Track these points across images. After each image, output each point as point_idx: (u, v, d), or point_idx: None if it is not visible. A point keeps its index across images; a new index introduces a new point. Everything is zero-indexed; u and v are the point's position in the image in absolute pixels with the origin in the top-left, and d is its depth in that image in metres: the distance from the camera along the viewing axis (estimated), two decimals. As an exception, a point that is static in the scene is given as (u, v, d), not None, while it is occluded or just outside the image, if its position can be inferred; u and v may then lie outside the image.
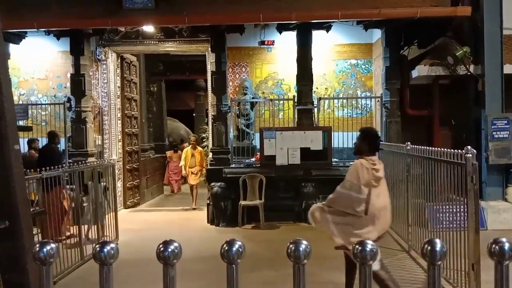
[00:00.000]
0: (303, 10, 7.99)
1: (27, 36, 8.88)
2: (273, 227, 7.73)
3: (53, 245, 0.80)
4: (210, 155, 8.88)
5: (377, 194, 3.76)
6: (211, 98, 9.11)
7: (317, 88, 9.25)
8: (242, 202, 7.80)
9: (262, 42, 9.41)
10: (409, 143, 6.02)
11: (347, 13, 7.88)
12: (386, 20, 8.04)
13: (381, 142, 7.70)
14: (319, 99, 8.67)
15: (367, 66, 9.66)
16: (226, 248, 1.03)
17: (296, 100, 8.55)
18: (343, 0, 7.99)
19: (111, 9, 7.89)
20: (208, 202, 8.18)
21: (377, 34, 9.06)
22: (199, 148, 10.33)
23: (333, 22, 8.40)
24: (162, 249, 0.86)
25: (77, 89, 8.66)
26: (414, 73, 8.25)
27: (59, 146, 7.73)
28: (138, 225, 8.02)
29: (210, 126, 9.37)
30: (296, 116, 8.56)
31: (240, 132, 9.18)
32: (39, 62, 9.49)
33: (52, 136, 7.40)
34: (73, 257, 5.60)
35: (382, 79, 8.50)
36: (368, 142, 3.93)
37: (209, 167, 8.65)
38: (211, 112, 9.29)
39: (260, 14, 7.85)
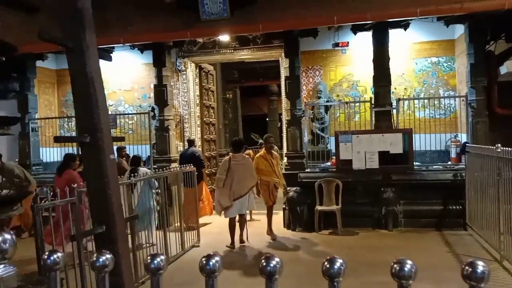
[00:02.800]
0: (379, 9, 7.75)
1: (114, 51, 9.58)
2: (351, 233, 7.57)
3: (162, 257, 0.87)
4: (285, 159, 8.92)
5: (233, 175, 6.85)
6: (285, 103, 9.17)
7: (395, 88, 8.93)
8: (319, 207, 7.73)
9: (336, 44, 9.30)
10: (499, 145, 5.59)
11: (427, 9, 7.51)
12: (470, 14, 7.54)
13: (467, 144, 7.32)
14: (398, 100, 8.35)
15: (449, 63, 9.13)
16: (328, 265, 1.00)
17: (373, 102, 8.31)
18: (422, -4, 7.65)
19: (189, 22, 8.26)
20: (284, 206, 8.21)
21: (459, 30, 8.55)
22: (275, 153, 7.86)
23: (411, 19, 8.07)
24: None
25: (160, 99, 9.17)
26: (503, 69, 7.66)
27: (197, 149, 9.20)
28: (217, 228, 8.26)
29: (284, 131, 9.41)
30: (373, 118, 8.32)
31: (315, 136, 9.12)
32: (125, 75, 10.19)
33: (191, 142, 9.06)
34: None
35: (466, 77, 7.98)
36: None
37: (284, 171, 8.69)
38: (285, 117, 9.34)
39: (334, 17, 7.76)
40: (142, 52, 9.47)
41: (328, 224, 7.77)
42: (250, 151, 10.71)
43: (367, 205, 7.84)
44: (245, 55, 9.73)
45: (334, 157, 8.32)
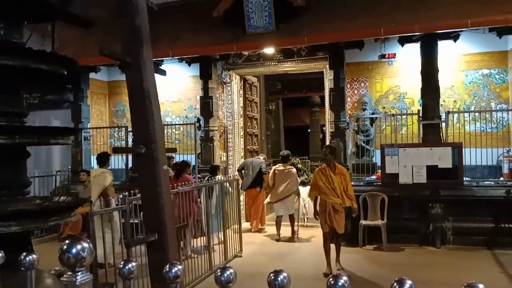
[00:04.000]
0: (428, 20, 7.61)
1: (163, 64, 9.92)
2: (396, 249, 7.36)
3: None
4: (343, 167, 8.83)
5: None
6: (328, 114, 9.12)
7: (444, 101, 8.67)
8: (363, 222, 7.59)
9: (383, 56, 9.17)
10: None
11: (478, 20, 7.30)
12: (525, 24, 7.25)
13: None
14: (447, 113, 8.10)
15: (502, 75, 8.76)
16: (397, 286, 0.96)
17: (421, 115, 8.11)
18: (473, 7, 7.42)
19: (235, 35, 8.44)
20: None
21: (513, 40, 8.22)
22: (340, 167, 6.48)
23: (462, 30, 7.85)
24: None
25: (206, 110, 9.39)
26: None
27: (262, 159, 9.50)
28: (260, 239, 8.29)
29: (328, 143, 9.34)
30: (421, 131, 8.11)
31: (359, 148, 8.98)
32: (173, 87, 10.49)
33: (256, 152, 9.56)
34: (202, 267, 5.98)
35: (521, 90, 7.65)
36: None
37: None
38: (328, 128, 9.28)
39: (381, 28, 7.69)
40: (189, 65, 9.75)
41: (373, 239, 7.60)
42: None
43: (413, 220, 7.61)
44: (289, 67, 9.79)
45: (380, 171, 8.16)
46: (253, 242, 8.03)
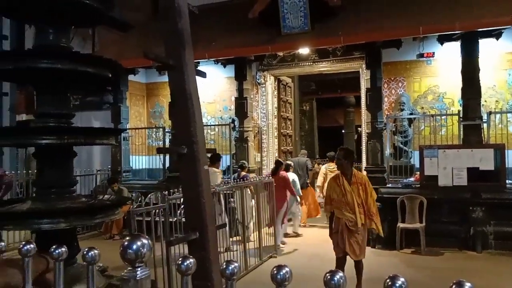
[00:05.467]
0: (468, 18, 7.38)
1: (199, 65, 10.07)
2: (435, 253, 7.17)
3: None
4: (364, 173, 8.71)
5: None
6: (365, 115, 9.00)
7: (485, 101, 8.38)
8: (401, 225, 7.43)
9: (421, 55, 8.95)
10: None
11: (523, 17, 7.02)
12: None
13: None
14: (489, 113, 7.83)
15: (548, 74, 8.39)
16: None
17: (461, 115, 7.87)
18: (517, 3, 7.15)
19: (271, 37, 8.46)
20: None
21: (562, 37, 7.85)
22: (359, 173, 5.32)
23: (505, 28, 7.56)
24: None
25: (241, 111, 9.47)
26: None
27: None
28: (294, 240, 8.27)
29: (364, 144, 9.21)
30: (461, 132, 7.87)
31: (397, 150, 8.80)
32: (209, 88, 10.64)
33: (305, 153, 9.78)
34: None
35: None
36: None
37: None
38: (365, 129, 9.15)
39: (419, 27, 7.52)
40: (225, 66, 9.86)
41: (410, 243, 7.43)
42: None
43: (453, 224, 7.39)
44: (324, 67, 9.73)
45: (418, 173, 7.97)
46: (288, 243, 8.02)
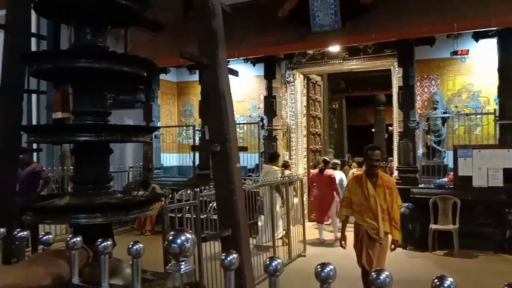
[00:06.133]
0: (505, 14, 7.14)
1: (228, 64, 10.11)
2: (469, 255, 6.99)
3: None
4: (396, 173, 8.57)
5: None
6: (397, 113, 8.85)
7: (523, 99, 8.08)
8: (433, 226, 7.28)
9: (455, 53, 8.73)
10: None
11: None
12: None
13: None
14: (527, 112, 7.56)
15: None
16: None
17: (497, 114, 7.63)
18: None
19: (300, 35, 8.43)
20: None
21: None
22: (385, 176, 4.91)
23: (545, 23, 7.28)
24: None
25: (270, 110, 9.48)
26: None
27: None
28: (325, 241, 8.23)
29: (395, 143, 9.06)
30: (497, 132, 7.63)
31: (430, 149, 8.62)
32: (238, 87, 10.68)
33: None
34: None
35: None
36: None
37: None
38: (397, 128, 8.99)
39: (454, 24, 7.33)
40: (254, 65, 9.88)
41: (443, 244, 7.27)
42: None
43: (488, 226, 7.19)
44: (354, 65, 9.61)
45: (451, 173, 7.79)
46: (317, 242, 7.99)
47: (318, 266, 0.82)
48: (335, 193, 8.09)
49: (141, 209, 2.78)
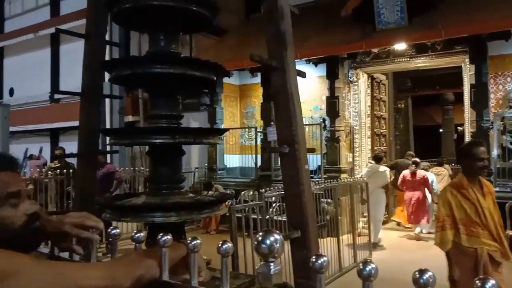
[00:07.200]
0: None
1: (292, 66, 10.12)
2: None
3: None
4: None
5: None
6: (468, 113, 8.38)
7: None
8: (510, 232, 6.79)
9: (534, 47, 8.11)
10: None
11: None
12: None
13: None
14: None
15: None
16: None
17: None
18: None
19: (364, 33, 8.25)
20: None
21: None
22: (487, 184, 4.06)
23: None
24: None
25: (332, 110, 9.35)
26: None
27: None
28: (388, 243, 7.98)
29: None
30: None
31: (505, 151, 8.07)
32: (300, 88, 10.62)
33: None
34: (332, 268, 5.96)
35: None
36: None
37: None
38: (468, 128, 8.52)
39: (533, 16, 6.82)
40: (316, 66, 9.80)
41: (522, 252, 6.76)
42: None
43: None
44: (422, 63, 9.22)
45: (531, 176, 7.24)
46: (384, 246, 7.77)
47: (416, 273, 0.79)
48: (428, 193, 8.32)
49: (211, 208, 2.87)
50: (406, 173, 8.52)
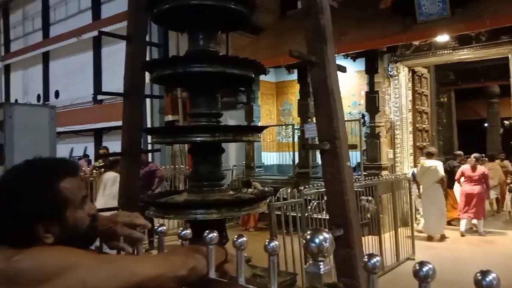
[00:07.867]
0: None
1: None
2: None
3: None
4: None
5: None
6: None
7: None
8: None
9: None
10: None
11: None
12: None
13: None
14: None
15: None
16: None
17: None
18: None
19: (405, 26, 8.02)
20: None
21: None
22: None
23: None
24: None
25: (372, 106, 9.15)
26: None
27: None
28: (433, 242, 7.74)
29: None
30: None
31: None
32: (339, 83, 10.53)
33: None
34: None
35: None
36: None
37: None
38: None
39: None
40: (354, 61, 9.62)
41: None
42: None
43: None
44: (465, 54, 8.86)
45: None
46: (429, 245, 7.54)
47: (478, 274, 0.75)
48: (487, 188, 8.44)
49: (252, 206, 2.86)
50: (466, 167, 8.47)
